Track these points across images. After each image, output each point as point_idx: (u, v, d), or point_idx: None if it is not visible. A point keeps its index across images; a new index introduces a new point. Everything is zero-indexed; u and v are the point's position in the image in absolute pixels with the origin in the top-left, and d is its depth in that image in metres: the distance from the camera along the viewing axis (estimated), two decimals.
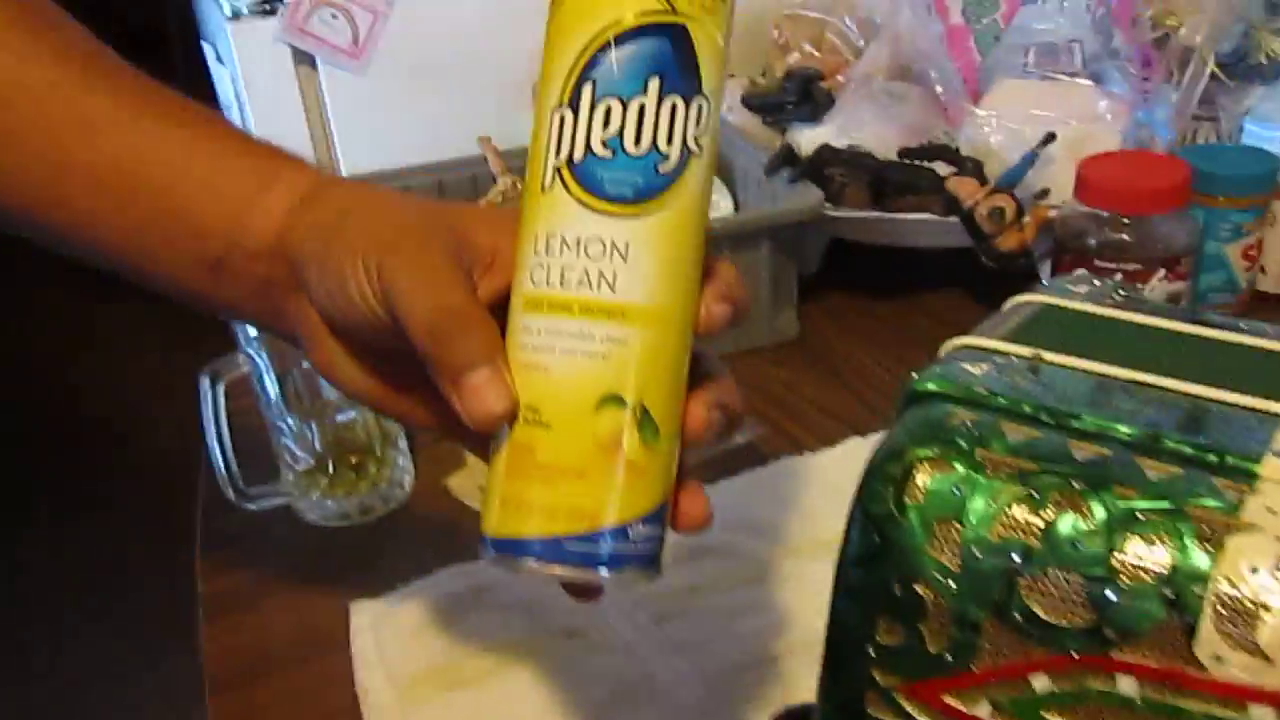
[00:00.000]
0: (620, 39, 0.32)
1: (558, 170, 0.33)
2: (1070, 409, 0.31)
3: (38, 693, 1.65)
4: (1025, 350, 0.35)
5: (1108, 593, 0.27)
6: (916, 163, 0.80)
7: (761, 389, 0.72)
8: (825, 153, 0.78)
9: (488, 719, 0.47)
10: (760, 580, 0.53)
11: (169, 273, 0.39)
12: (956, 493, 0.30)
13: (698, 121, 0.33)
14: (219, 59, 1.13)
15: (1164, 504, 0.28)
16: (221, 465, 0.58)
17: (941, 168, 0.80)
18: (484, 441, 0.34)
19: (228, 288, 0.38)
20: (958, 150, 0.81)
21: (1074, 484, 0.29)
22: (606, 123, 0.32)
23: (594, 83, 0.32)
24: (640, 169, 0.33)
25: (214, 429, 0.57)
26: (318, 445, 0.59)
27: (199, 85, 1.21)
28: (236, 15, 0.99)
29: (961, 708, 0.30)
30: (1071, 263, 0.69)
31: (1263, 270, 0.74)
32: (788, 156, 0.79)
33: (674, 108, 0.33)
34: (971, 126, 0.81)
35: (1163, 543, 0.27)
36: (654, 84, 0.32)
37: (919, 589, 0.30)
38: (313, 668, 0.51)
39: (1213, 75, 0.76)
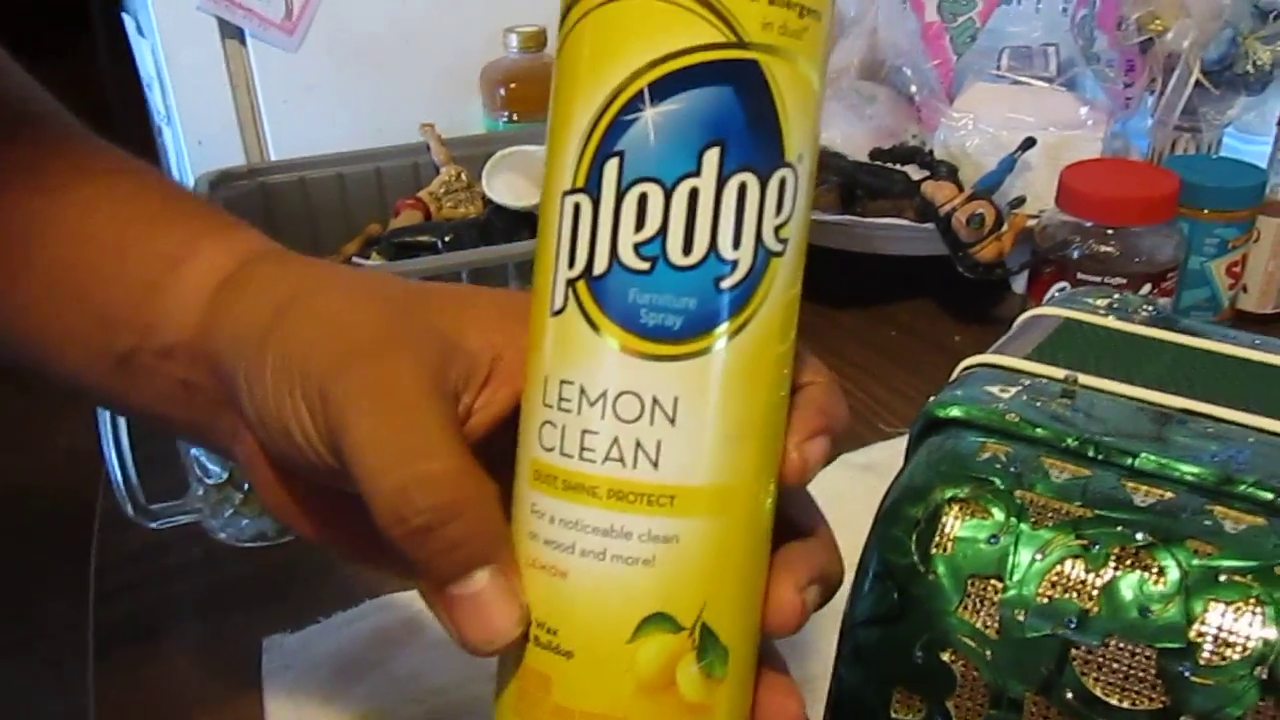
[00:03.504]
0: (659, 88, 0.22)
1: (571, 287, 0.23)
2: (1124, 444, 0.26)
3: None
4: (1057, 372, 0.30)
5: (1184, 670, 0.23)
6: (889, 165, 0.75)
7: None
8: None
9: None
10: None
11: (70, 368, 0.31)
12: (994, 543, 0.25)
13: (779, 206, 0.23)
14: (140, 31, 1.05)
15: (1251, 563, 0.23)
16: (119, 477, 0.51)
17: (914, 172, 0.76)
18: None
19: (141, 390, 0.31)
20: (931, 153, 0.77)
21: (1138, 536, 0.24)
22: (640, 219, 0.22)
23: (620, 158, 0.22)
24: (692, 287, 0.23)
25: (110, 433, 0.50)
26: None
27: (121, 63, 1.13)
28: None
29: None
30: (1051, 275, 0.65)
31: (1245, 289, 0.72)
32: None
33: (742, 190, 0.22)
34: (947, 129, 0.77)
35: (1253, 611, 0.22)
36: (711, 157, 0.22)
37: (946, 658, 0.25)
38: (219, 714, 0.45)
39: (1197, 83, 0.73)
